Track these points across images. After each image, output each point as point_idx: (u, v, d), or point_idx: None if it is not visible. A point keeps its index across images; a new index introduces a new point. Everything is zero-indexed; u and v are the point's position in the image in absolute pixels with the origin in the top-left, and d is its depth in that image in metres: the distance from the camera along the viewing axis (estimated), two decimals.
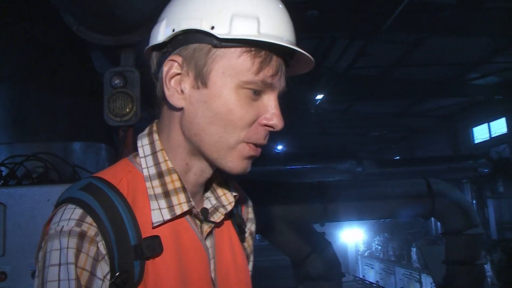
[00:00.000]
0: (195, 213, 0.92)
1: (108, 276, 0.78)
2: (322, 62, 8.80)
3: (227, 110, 0.82)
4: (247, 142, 0.86)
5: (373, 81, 10.54)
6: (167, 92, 0.85)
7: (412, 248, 16.07)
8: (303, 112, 11.27)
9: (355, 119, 14.29)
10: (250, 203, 1.15)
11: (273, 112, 0.86)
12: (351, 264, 19.80)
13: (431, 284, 14.76)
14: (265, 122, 0.86)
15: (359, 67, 8.94)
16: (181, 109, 0.86)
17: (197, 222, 0.94)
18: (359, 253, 21.86)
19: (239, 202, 1.09)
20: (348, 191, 7.09)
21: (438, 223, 17.29)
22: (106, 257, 0.78)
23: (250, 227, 1.15)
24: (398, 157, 17.53)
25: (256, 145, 0.88)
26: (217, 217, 0.95)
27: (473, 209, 7.22)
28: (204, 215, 0.94)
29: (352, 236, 20.09)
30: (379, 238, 19.74)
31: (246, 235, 1.12)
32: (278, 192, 6.58)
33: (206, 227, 0.94)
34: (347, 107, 12.81)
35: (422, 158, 14.22)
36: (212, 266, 0.93)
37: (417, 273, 15.81)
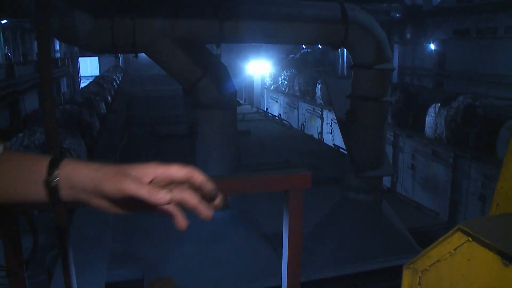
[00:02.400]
0: None
1: None
2: None
3: None
4: None
5: None
6: None
7: (317, 85, 16.11)
8: None
9: None
10: None
11: None
12: (256, 97, 19.82)
13: (331, 120, 15.18)
14: None
15: None
16: None
17: None
18: (265, 87, 21.87)
19: None
20: (251, 8, 5.99)
21: (346, 63, 17.43)
22: None
23: None
24: None
25: None
26: None
27: (386, 42, 6.48)
28: None
29: (258, 70, 19.78)
30: (286, 73, 19.65)
31: None
32: (163, 4, 5.51)
33: None
34: None
35: None
36: None
37: (320, 109, 16.16)
